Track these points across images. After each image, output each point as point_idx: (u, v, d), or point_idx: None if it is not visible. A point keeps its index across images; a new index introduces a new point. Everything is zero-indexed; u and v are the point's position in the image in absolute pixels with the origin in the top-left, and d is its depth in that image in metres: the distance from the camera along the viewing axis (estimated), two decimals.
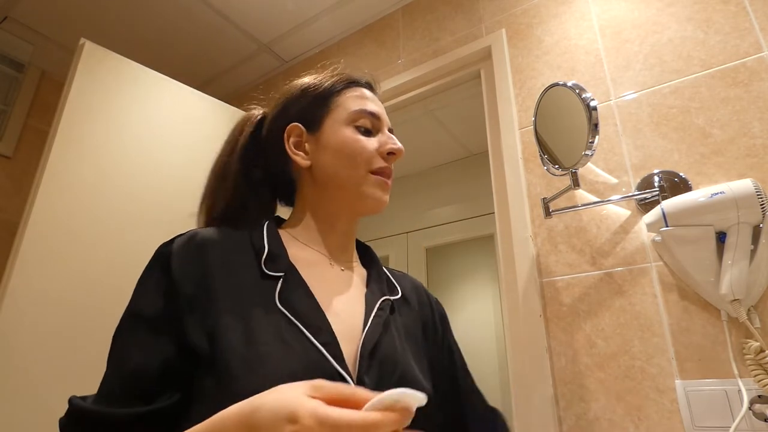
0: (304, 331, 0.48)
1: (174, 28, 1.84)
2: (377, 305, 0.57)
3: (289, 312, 0.49)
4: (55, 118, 1.24)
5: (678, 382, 0.89)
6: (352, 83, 0.64)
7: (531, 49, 1.32)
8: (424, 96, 1.58)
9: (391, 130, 0.65)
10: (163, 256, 0.51)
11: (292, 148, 0.62)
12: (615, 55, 1.16)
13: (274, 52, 1.98)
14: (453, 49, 1.48)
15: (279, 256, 0.54)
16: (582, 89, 0.92)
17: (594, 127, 0.88)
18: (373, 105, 0.63)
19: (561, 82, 0.98)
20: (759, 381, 0.78)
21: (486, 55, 1.42)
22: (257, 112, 0.68)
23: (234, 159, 0.64)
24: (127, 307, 0.51)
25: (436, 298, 0.72)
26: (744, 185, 0.83)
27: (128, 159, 1.34)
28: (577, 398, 0.98)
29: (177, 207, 1.41)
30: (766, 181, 0.90)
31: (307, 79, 0.65)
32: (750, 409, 0.80)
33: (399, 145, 0.62)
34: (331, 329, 0.50)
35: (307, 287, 0.53)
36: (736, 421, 0.78)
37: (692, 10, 1.09)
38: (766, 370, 0.79)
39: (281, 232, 0.60)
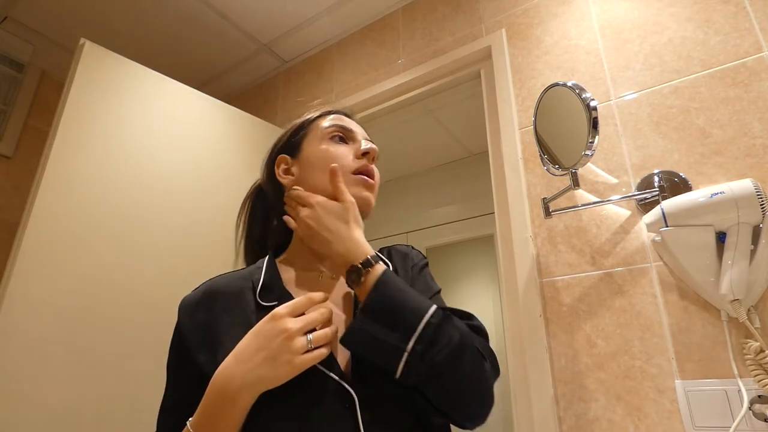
0: None
1: (174, 29, 1.84)
2: None
3: None
4: (55, 118, 1.24)
5: (678, 382, 0.89)
6: (326, 113, 0.71)
7: (531, 49, 1.32)
8: (424, 96, 1.58)
9: (369, 141, 0.70)
10: (178, 309, 0.60)
11: (281, 174, 0.68)
12: (615, 55, 1.16)
13: (273, 52, 1.98)
14: (453, 49, 1.48)
15: (273, 286, 0.60)
16: (582, 89, 0.92)
17: (594, 127, 0.88)
18: (342, 121, 0.69)
19: (561, 82, 0.98)
20: (759, 381, 0.78)
21: (486, 55, 1.42)
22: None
23: (244, 219, 0.75)
24: None
25: (418, 252, 0.72)
26: (744, 185, 0.83)
27: (128, 159, 1.34)
28: (577, 398, 0.98)
29: (177, 207, 1.41)
30: (766, 181, 0.90)
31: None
32: (750, 409, 0.80)
33: (371, 144, 0.66)
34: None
35: None
36: (736, 421, 0.78)
37: (692, 10, 1.09)
38: (766, 370, 0.79)
39: (279, 261, 0.66)
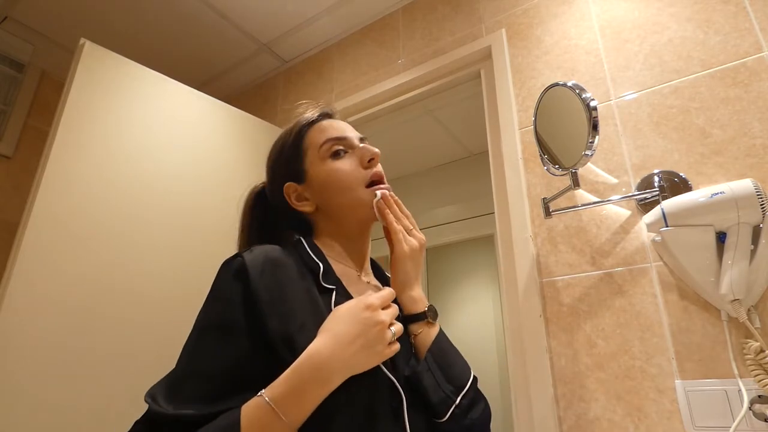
0: None
1: (174, 28, 1.84)
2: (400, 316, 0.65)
3: None
4: (55, 118, 1.24)
5: (678, 382, 0.89)
6: (308, 125, 0.71)
7: (531, 49, 1.32)
8: (424, 96, 1.58)
9: (362, 139, 0.71)
10: (241, 267, 0.56)
11: (296, 203, 0.70)
12: (615, 55, 1.16)
13: (273, 52, 1.98)
14: (453, 49, 1.48)
15: (329, 272, 0.62)
16: (582, 89, 0.91)
17: (594, 127, 0.88)
18: (334, 130, 0.70)
19: (561, 82, 0.98)
20: (759, 381, 0.78)
21: (486, 55, 1.42)
22: (260, 184, 0.77)
23: (248, 228, 0.74)
24: (204, 316, 0.55)
25: None
26: (744, 185, 0.83)
27: (128, 159, 1.34)
28: (577, 398, 0.98)
29: (177, 206, 1.42)
30: (766, 181, 0.90)
31: (277, 140, 0.74)
32: (750, 409, 0.80)
33: (373, 149, 0.69)
34: None
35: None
36: (736, 421, 0.78)
37: (692, 10, 1.09)
38: (766, 370, 0.79)
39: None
